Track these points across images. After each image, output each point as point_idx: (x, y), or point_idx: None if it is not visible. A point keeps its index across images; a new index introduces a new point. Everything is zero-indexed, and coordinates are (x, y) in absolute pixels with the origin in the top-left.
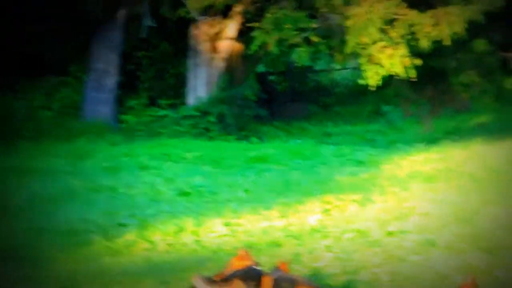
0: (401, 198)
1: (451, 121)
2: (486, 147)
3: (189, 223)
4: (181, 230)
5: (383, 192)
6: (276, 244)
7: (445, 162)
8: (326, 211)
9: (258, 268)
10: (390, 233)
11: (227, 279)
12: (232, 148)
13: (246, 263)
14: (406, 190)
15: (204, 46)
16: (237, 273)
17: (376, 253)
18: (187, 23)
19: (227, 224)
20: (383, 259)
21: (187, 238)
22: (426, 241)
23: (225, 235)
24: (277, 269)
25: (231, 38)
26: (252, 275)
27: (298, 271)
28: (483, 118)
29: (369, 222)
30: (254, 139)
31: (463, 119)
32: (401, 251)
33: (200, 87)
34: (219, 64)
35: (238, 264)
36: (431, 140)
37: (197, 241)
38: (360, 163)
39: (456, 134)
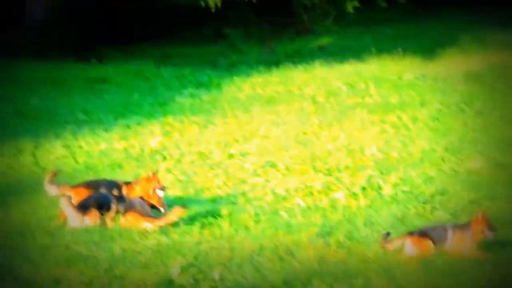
0: (242, 120)
1: (292, 43)
2: (326, 69)
3: (27, 144)
4: (19, 151)
5: (224, 114)
6: (117, 166)
7: (286, 84)
8: (166, 133)
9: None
10: (231, 155)
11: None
12: (71, 69)
13: (152, 185)
14: (247, 113)
15: None
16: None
17: (217, 175)
18: None
19: (66, 146)
20: (224, 181)
21: (25, 159)
22: (266, 163)
23: (64, 157)
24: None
25: None
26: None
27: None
28: (324, 41)
29: (210, 144)
30: (93, 60)
31: (304, 42)
32: (242, 173)
33: (37, 7)
34: None
35: (145, 185)
36: (272, 63)
37: (36, 163)
38: (201, 85)
39: (297, 56)
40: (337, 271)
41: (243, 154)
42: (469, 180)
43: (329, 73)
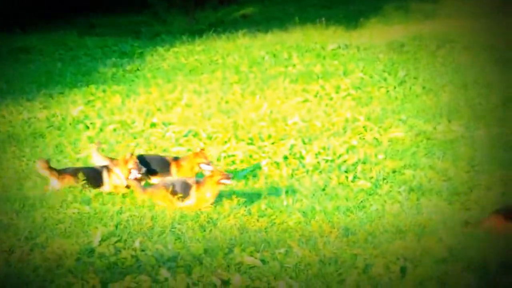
0: (164, 90)
1: (215, 12)
2: (249, 39)
3: None
4: None
5: (147, 83)
6: (39, 135)
7: (209, 54)
8: (89, 102)
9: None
10: (153, 124)
11: None
12: None
13: (198, 160)
14: (170, 82)
15: None
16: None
17: (139, 143)
18: None
19: None
20: (146, 150)
21: None
22: (189, 132)
23: None
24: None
25: None
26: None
27: (60, 161)
28: (247, 10)
29: (133, 113)
30: (16, 29)
31: (228, 11)
32: (164, 142)
33: None
34: None
35: (194, 160)
36: (196, 32)
37: None
38: (124, 54)
39: (220, 26)
40: (259, 240)
41: (165, 123)
42: (391, 149)
43: (252, 43)
